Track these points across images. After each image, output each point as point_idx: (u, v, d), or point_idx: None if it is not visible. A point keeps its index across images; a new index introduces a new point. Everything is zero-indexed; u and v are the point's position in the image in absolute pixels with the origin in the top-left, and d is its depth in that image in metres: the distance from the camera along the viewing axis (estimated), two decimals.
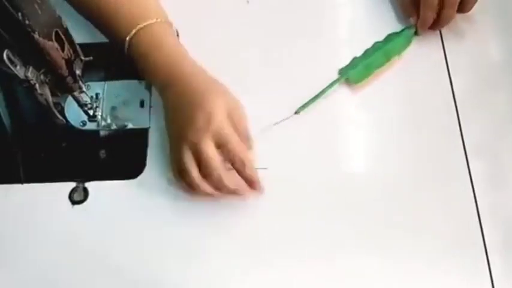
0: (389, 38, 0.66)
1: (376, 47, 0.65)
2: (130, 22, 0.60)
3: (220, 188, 0.55)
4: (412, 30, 0.65)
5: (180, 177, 0.56)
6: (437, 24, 0.65)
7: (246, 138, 0.56)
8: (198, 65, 0.59)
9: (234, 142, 0.54)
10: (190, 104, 0.55)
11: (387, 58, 0.64)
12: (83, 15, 0.64)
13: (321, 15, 0.68)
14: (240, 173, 0.55)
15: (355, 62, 0.64)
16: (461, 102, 0.63)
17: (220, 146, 0.54)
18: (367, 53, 0.64)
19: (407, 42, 0.65)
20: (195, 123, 0.54)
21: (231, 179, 0.55)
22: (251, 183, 0.56)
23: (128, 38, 0.59)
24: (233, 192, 0.55)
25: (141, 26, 0.59)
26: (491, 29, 0.68)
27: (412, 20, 0.66)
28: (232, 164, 0.55)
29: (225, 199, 0.56)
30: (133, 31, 0.59)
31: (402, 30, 0.66)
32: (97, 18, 0.63)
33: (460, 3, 0.63)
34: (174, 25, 0.62)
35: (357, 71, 0.63)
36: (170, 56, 0.59)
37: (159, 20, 0.60)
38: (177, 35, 0.63)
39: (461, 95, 0.63)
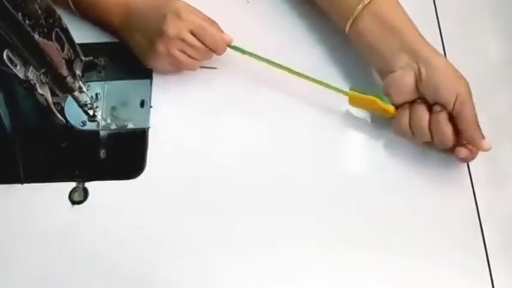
0: None
1: None
2: None
3: (207, 42, 0.61)
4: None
5: (174, 67, 0.63)
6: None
7: (211, 20, 0.62)
8: None
9: (205, 19, 0.61)
10: (153, 15, 0.61)
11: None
12: None
13: (322, 13, 0.68)
14: (212, 42, 0.61)
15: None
16: None
17: (196, 31, 0.60)
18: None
19: None
20: (165, 20, 0.59)
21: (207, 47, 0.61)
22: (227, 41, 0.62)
23: None
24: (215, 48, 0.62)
25: None
26: (491, 29, 0.68)
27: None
28: (204, 39, 0.60)
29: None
30: None
31: None
32: None
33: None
34: None
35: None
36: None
37: None
38: None
39: None
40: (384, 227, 0.57)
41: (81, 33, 0.60)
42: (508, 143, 0.61)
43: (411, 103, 0.58)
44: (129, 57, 0.64)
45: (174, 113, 0.63)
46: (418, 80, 0.57)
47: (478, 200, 0.58)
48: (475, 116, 0.56)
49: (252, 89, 0.62)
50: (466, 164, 0.59)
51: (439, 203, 0.58)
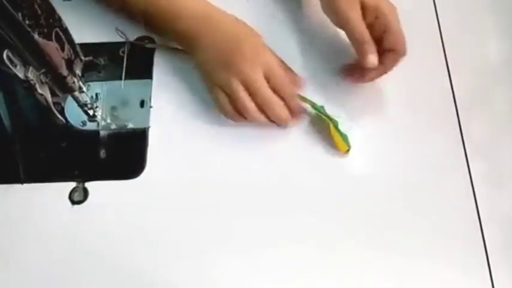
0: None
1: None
2: None
3: (271, 114, 0.59)
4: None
5: (229, 114, 0.60)
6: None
7: (292, 73, 0.62)
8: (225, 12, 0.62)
9: (282, 74, 0.59)
10: (233, 41, 0.59)
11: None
12: None
13: (322, 13, 0.68)
14: (287, 102, 0.59)
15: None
16: (461, 102, 0.63)
17: (269, 77, 0.58)
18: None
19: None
20: (243, 55, 0.58)
21: (280, 105, 0.59)
22: (295, 114, 0.60)
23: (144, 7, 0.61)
24: (282, 120, 0.59)
25: None
26: (491, 29, 0.68)
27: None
28: (280, 94, 0.58)
29: (265, 127, 0.60)
30: None
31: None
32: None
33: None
34: None
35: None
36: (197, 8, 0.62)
37: None
38: None
39: (461, 95, 0.63)
40: (384, 227, 0.57)
41: (81, 33, 0.60)
42: (508, 143, 0.61)
43: None
44: (129, 57, 0.64)
45: (174, 113, 0.63)
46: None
47: (478, 200, 0.58)
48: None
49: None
50: (466, 164, 0.59)
51: (439, 203, 0.58)
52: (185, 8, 0.61)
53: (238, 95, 0.58)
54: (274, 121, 0.60)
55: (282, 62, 0.62)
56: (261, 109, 0.59)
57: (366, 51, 0.58)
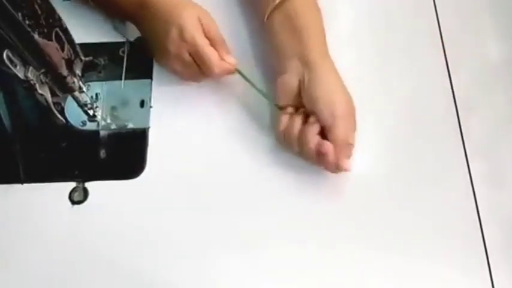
0: None
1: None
2: None
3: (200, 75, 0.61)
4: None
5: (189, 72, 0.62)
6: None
7: (219, 41, 0.60)
8: None
9: (203, 46, 0.59)
10: (163, 21, 0.60)
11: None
12: None
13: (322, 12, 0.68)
14: (207, 69, 0.60)
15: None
16: (461, 102, 0.63)
17: (193, 53, 0.59)
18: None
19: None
20: (170, 37, 0.59)
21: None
22: (223, 70, 0.60)
23: None
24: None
25: None
26: (491, 29, 0.68)
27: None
28: (201, 65, 0.60)
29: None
30: None
31: None
32: None
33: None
34: None
35: None
36: None
37: None
38: None
39: (461, 95, 0.63)
40: (384, 227, 0.57)
41: (81, 33, 0.60)
42: (508, 143, 0.61)
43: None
44: (129, 57, 0.64)
45: (174, 113, 0.63)
46: (301, 86, 0.57)
47: (478, 200, 0.58)
48: (347, 134, 0.55)
49: (252, 88, 0.62)
50: (466, 164, 0.59)
51: (439, 203, 0.58)
52: None
53: (178, 70, 0.61)
54: (206, 74, 0.61)
55: (211, 28, 0.61)
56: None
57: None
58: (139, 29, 0.65)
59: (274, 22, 0.60)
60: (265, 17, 0.61)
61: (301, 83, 0.57)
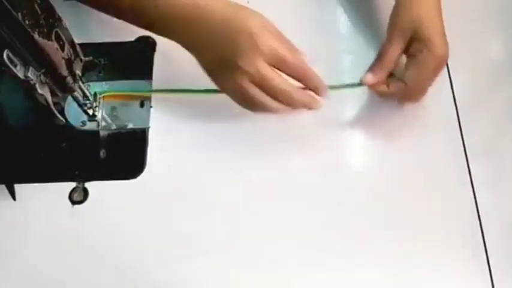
0: None
1: None
2: None
3: (292, 103, 0.53)
4: None
5: (249, 109, 0.55)
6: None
7: (294, 48, 0.54)
8: None
9: (289, 56, 0.52)
10: (225, 34, 0.52)
11: None
12: None
13: (322, 12, 0.68)
14: (305, 83, 0.54)
15: None
16: (461, 102, 0.63)
17: (276, 63, 0.52)
18: None
19: None
20: (240, 50, 0.51)
21: (298, 92, 0.53)
22: (318, 91, 0.54)
23: None
24: (306, 105, 0.54)
25: None
26: (491, 29, 0.68)
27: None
28: (295, 78, 0.53)
29: (296, 114, 0.55)
30: None
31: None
32: None
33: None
34: None
35: None
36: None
37: None
38: None
39: (461, 95, 0.63)
40: (384, 226, 0.57)
41: (81, 33, 0.60)
42: (508, 143, 0.61)
43: None
44: (129, 57, 0.64)
45: (174, 113, 0.63)
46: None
47: (478, 200, 0.58)
48: (447, 52, 0.57)
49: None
50: (466, 164, 0.59)
51: (439, 203, 0.58)
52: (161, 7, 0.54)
53: (249, 95, 0.52)
54: (300, 107, 0.54)
55: (282, 37, 0.54)
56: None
57: (372, 68, 0.57)
58: (194, 54, 0.56)
59: None
60: None
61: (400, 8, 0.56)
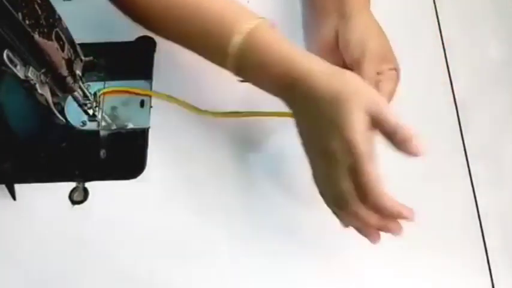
0: None
1: None
2: (229, 29, 0.51)
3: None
4: None
5: (335, 206, 0.50)
6: None
7: (400, 136, 0.48)
8: (314, 57, 0.49)
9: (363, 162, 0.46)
10: (321, 113, 0.46)
11: None
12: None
13: None
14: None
15: None
16: (461, 102, 0.63)
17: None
18: None
19: None
20: (330, 135, 0.45)
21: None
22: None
23: (232, 48, 0.51)
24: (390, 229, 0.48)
25: (244, 32, 0.51)
26: (491, 29, 0.68)
27: None
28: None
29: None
30: (238, 39, 0.51)
31: None
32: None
33: None
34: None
35: None
36: (283, 54, 0.50)
37: (256, 20, 0.52)
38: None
39: (461, 95, 0.63)
40: None
41: (81, 33, 0.60)
42: (508, 143, 0.61)
43: None
44: (129, 57, 0.64)
45: (174, 113, 0.63)
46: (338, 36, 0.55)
47: (478, 200, 0.58)
48: (374, 74, 0.53)
49: (252, 87, 0.62)
50: (466, 164, 0.59)
51: (439, 203, 0.58)
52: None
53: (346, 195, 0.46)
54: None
55: (382, 113, 0.48)
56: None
57: None
58: (293, 112, 0.51)
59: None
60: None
61: (337, 34, 0.54)
